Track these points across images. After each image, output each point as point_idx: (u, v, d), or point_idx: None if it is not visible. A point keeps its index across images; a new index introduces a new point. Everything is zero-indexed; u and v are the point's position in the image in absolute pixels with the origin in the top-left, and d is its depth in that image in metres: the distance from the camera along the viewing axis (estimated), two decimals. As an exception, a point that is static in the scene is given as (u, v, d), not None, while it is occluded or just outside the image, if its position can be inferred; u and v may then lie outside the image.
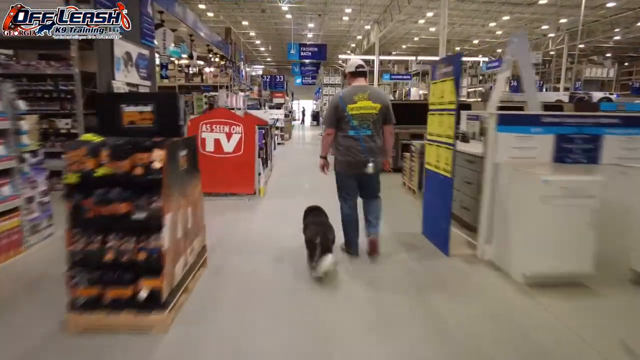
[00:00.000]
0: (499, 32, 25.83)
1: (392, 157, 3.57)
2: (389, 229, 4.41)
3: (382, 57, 25.04)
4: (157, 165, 2.29)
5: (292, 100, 30.05)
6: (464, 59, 26.99)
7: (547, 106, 6.30)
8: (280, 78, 20.05)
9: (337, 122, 3.36)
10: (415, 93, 25.35)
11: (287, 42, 21.18)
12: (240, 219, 4.83)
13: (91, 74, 5.61)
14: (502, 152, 3.31)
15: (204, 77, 14.95)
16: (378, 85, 25.02)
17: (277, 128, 14.22)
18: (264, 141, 6.43)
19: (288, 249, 3.74)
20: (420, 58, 24.52)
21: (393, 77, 25.80)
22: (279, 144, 13.82)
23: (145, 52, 7.37)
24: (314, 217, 3.50)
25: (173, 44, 10.62)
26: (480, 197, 3.54)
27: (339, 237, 3.53)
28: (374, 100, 3.31)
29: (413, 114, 8.72)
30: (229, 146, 5.49)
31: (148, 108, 2.56)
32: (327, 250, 3.03)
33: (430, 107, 3.85)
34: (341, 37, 28.45)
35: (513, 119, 3.32)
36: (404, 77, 26.27)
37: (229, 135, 5.48)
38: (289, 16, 21.97)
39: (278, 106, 17.21)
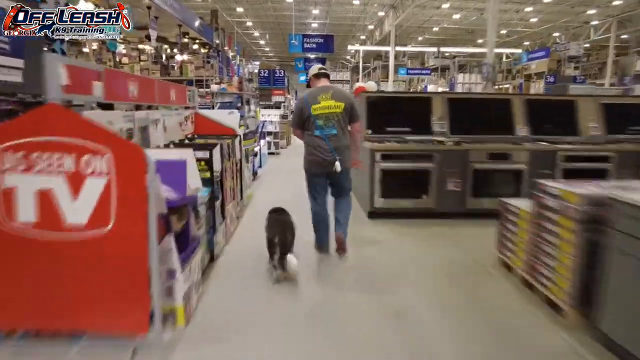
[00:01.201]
0: (533, 20, 22.22)
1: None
2: None
3: (399, 48, 21.55)
4: None
5: (296, 99, 26.78)
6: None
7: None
8: (280, 73, 16.61)
9: (304, 123, 3.47)
10: (434, 90, 21.95)
11: (289, 33, 17.79)
12: None
13: None
14: None
15: (176, 66, 11.90)
16: (393, 82, 21.68)
17: (269, 133, 10.83)
18: (193, 189, 2.82)
19: None
20: (444, 49, 20.99)
21: (410, 71, 22.33)
22: (270, 153, 10.39)
23: (12, 3, 4.17)
24: (277, 215, 3.36)
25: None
26: None
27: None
28: (337, 99, 3.40)
29: (490, 118, 5.21)
30: (76, 209, 1.97)
31: None
32: (285, 250, 2.95)
33: None
34: (350, 27, 25.03)
35: None
36: (423, 72, 22.88)
37: (75, 180, 1.96)
38: (289, 0, 18.60)
39: (277, 105, 14.10)
